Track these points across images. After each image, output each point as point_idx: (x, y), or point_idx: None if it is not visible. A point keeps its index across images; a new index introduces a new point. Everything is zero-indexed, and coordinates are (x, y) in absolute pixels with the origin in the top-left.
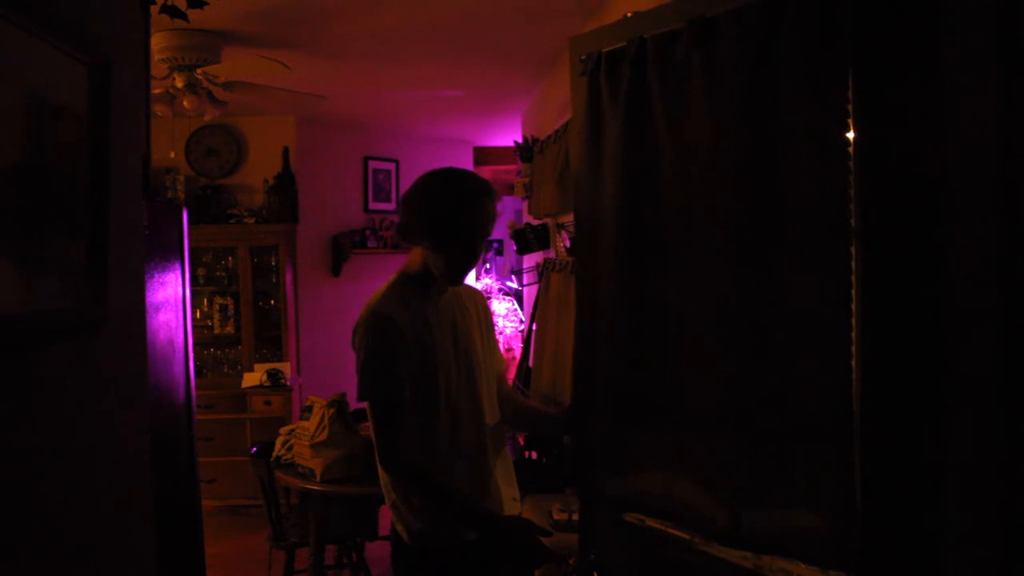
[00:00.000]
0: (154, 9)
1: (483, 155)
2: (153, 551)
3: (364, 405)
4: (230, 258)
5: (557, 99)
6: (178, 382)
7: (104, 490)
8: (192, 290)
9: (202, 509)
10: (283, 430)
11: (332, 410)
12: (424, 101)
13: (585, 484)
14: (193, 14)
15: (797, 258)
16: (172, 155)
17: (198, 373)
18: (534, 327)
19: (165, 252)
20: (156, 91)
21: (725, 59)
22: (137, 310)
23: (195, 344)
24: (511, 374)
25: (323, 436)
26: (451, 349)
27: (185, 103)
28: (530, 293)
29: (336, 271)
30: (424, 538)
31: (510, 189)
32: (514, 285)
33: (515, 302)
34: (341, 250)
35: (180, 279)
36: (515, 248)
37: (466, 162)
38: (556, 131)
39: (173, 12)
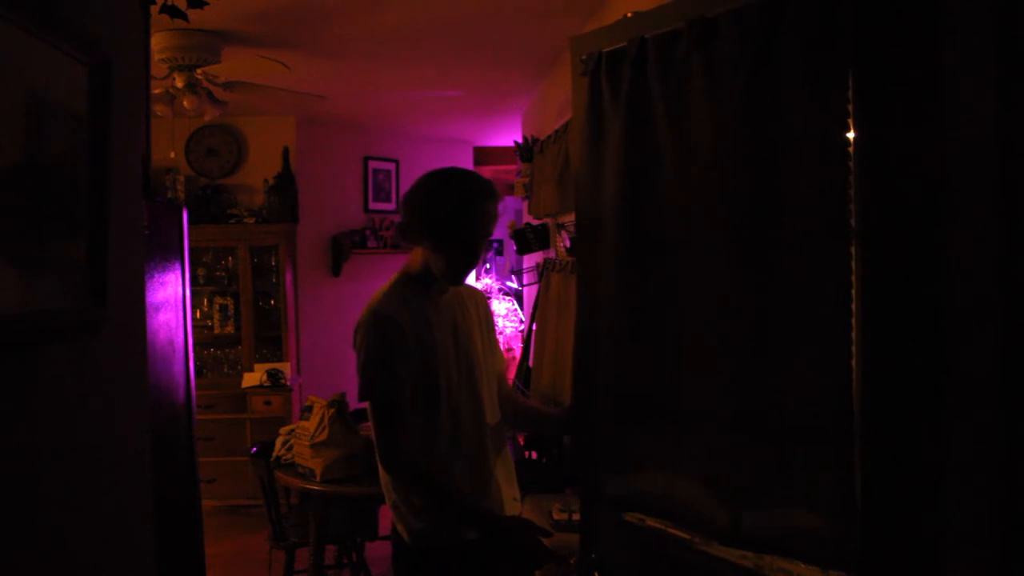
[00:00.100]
0: (154, 9)
1: (483, 155)
2: (153, 551)
3: (364, 405)
4: (230, 258)
5: (557, 99)
6: (178, 382)
7: (104, 490)
8: (192, 290)
9: (202, 509)
10: (283, 430)
11: (332, 410)
12: (424, 101)
13: (585, 484)
14: (193, 14)
15: (797, 258)
16: (172, 155)
17: (198, 373)
18: (534, 327)
19: (165, 252)
20: (156, 91)
21: (725, 59)
22: (137, 310)
23: (195, 344)
24: (511, 374)
25: (323, 436)
26: (452, 349)
27: (185, 103)
28: (530, 293)
29: (336, 271)
30: (425, 538)
31: (510, 189)
32: (514, 285)
33: (515, 302)
34: (341, 250)
35: (180, 279)
36: (515, 248)
37: (466, 162)
38: (556, 131)
39: (173, 12)
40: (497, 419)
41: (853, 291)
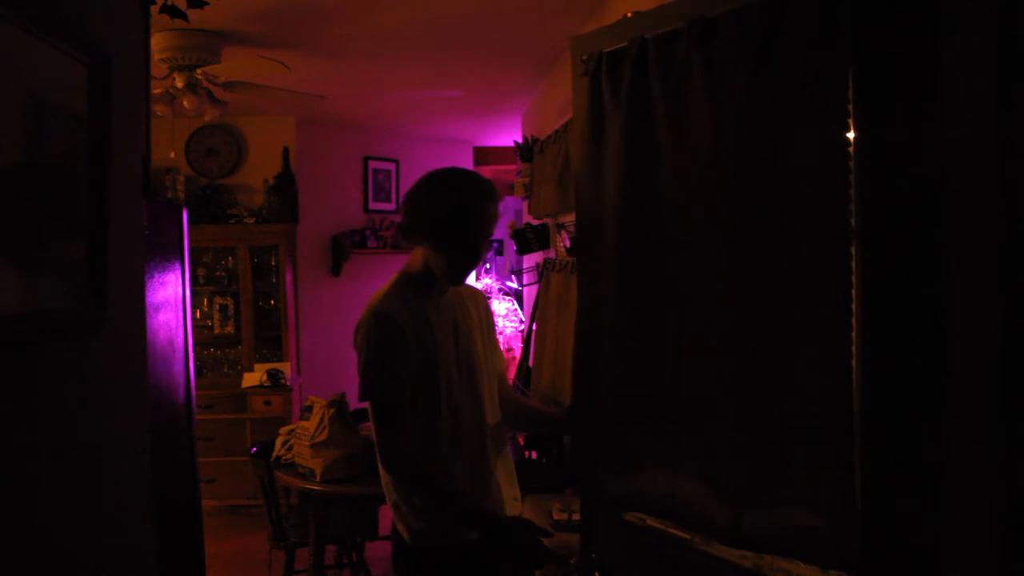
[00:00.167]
0: (154, 9)
1: (483, 155)
2: (153, 551)
3: (365, 405)
4: (230, 258)
5: (557, 99)
6: (178, 382)
7: (104, 490)
8: (192, 290)
9: (202, 509)
10: (283, 430)
11: (332, 410)
12: (424, 101)
13: (585, 484)
14: (193, 14)
15: (797, 258)
16: (172, 155)
17: (198, 373)
18: (534, 327)
19: (165, 252)
20: (156, 91)
21: (725, 59)
22: (137, 310)
23: (195, 344)
24: (511, 374)
25: (323, 436)
26: (452, 349)
27: (185, 103)
28: (530, 293)
29: (336, 271)
30: (425, 538)
31: (510, 189)
32: (514, 285)
33: (515, 302)
34: (341, 250)
35: (180, 279)
36: (515, 248)
37: (466, 162)
38: (556, 131)
39: (173, 12)
40: (497, 419)
41: (853, 291)
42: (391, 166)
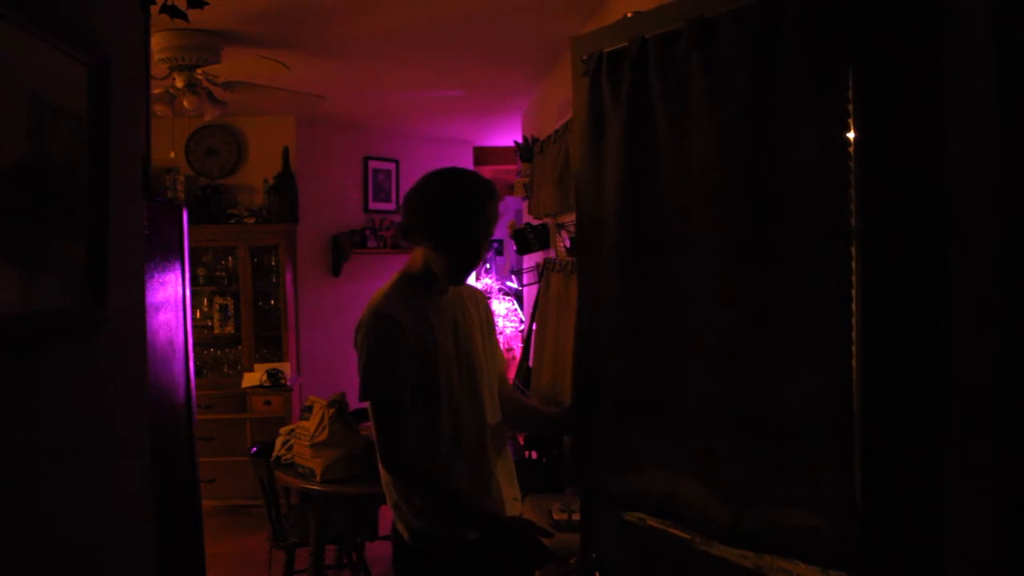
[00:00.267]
0: (154, 9)
1: (483, 155)
2: (153, 551)
3: (365, 405)
4: (230, 258)
5: (557, 99)
6: (178, 382)
7: (104, 490)
8: (192, 290)
9: (202, 509)
10: (283, 430)
11: (332, 410)
12: (424, 101)
13: (585, 484)
14: (193, 14)
15: (797, 258)
16: (172, 155)
17: (198, 373)
18: (534, 327)
19: (165, 252)
20: (156, 91)
21: (725, 59)
22: (137, 310)
23: (195, 344)
24: (511, 374)
25: (323, 436)
26: (452, 349)
27: (185, 103)
28: (530, 293)
29: (336, 271)
30: (425, 538)
31: (510, 189)
32: (514, 285)
33: (515, 302)
34: (341, 250)
35: (180, 279)
36: (515, 248)
37: (466, 162)
38: (556, 131)
39: (173, 12)
40: (498, 419)
41: (853, 291)
42: (391, 166)
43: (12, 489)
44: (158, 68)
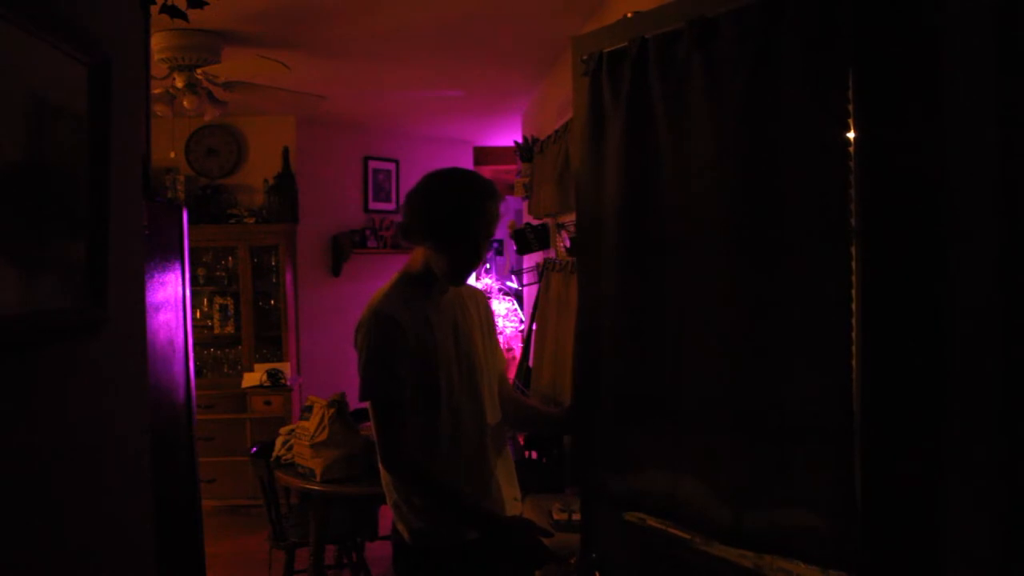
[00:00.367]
0: (154, 9)
1: (483, 155)
2: (153, 551)
3: (365, 405)
4: (230, 258)
5: (557, 99)
6: (178, 382)
7: (104, 490)
8: (192, 290)
9: (202, 509)
10: (283, 430)
11: (332, 410)
12: (424, 101)
13: (585, 484)
14: (193, 14)
15: (797, 258)
16: (172, 155)
17: (198, 373)
18: (534, 327)
19: (165, 252)
20: (156, 91)
21: (725, 59)
22: (137, 310)
23: (195, 344)
24: (511, 374)
25: (323, 436)
26: (452, 349)
27: (185, 103)
28: (530, 293)
29: (336, 271)
30: (425, 538)
31: (510, 189)
32: (514, 285)
33: (515, 302)
34: (341, 250)
35: (180, 279)
36: (515, 248)
37: (466, 162)
38: (556, 131)
39: (173, 12)
40: (498, 419)
41: (853, 291)
42: (391, 166)
43: (12, 489)
44: (158, 68)
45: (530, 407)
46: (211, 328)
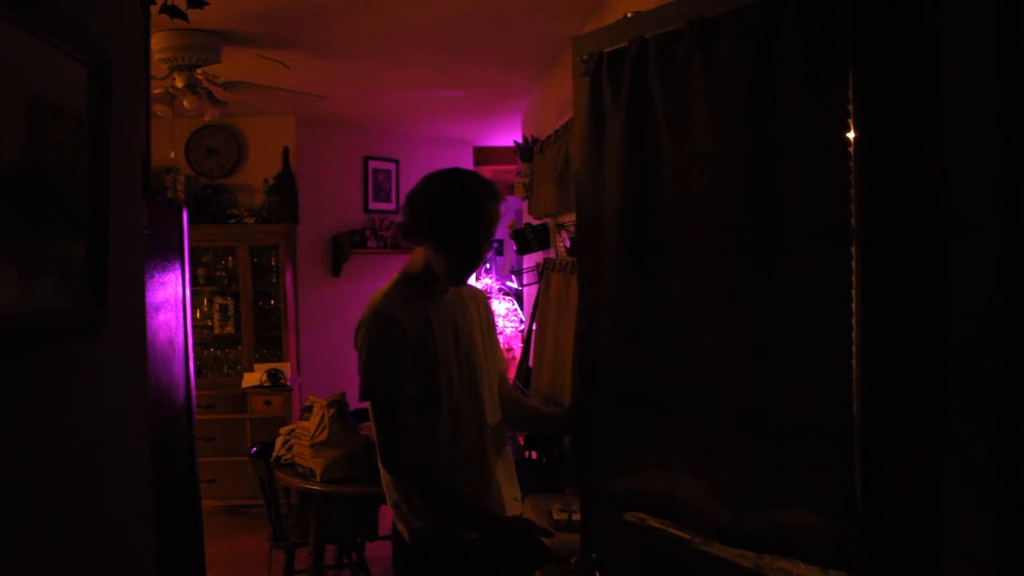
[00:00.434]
0: (154, 9)
1: (483, 155)
2: (153, 551)
3: (365, 405)
4: (230, 258)
5: (557, 99)
6: (178, 382)
7: (104, 490)
8: (192, 290)
9: (202, 509)
10: (283, 430)
11: (332, 410)
12: (424, 101)
13: (585, 484)
14: (193, 14)
15: (797, 258)
16: (172, 155)
17: (198, 373)
18: (534, 327)
19: (165, 252)
20: (156, 91)
21: (725, 59)
22: (137, 310)
23: (195, 344)
24: (511, 374)
25: (323, 436)
26: (452, 349)
27: (185, 103)
28: (530, 293)
29: (336, 271)
30: (425, 538)
31: (510, 189)
32: (514, 285)
33: (515, 302)
34: (341, 250)
35: (180, 279)
36: (515, 248)
37: (466, 162)
38: (556, 131)
39: (173, 12)
40: (498, 419)
41: (853, 291)
42: (391, 166)
43: (12, 489)
44: (158, 68)
45: (530, 407)
46: (211, 328)
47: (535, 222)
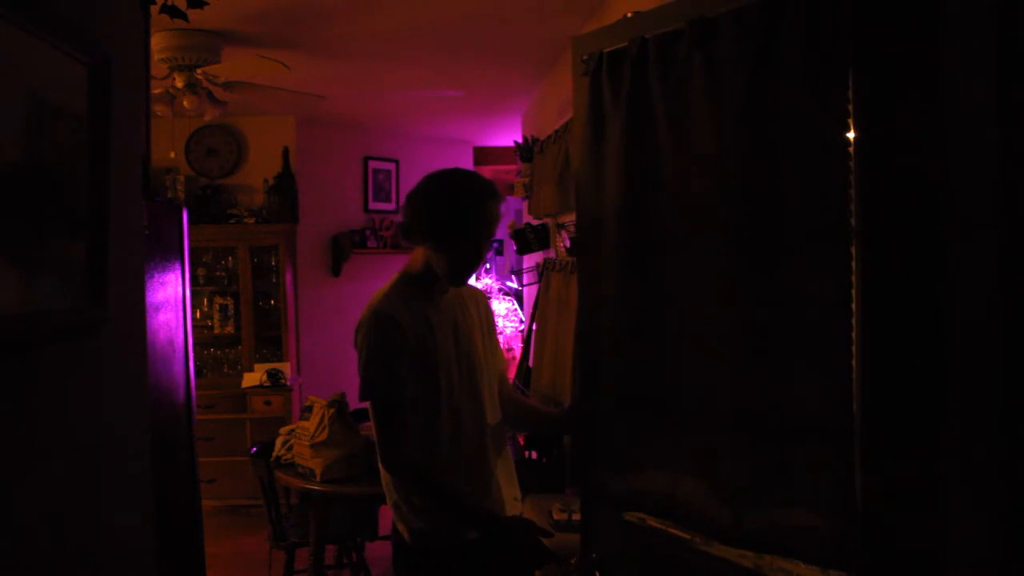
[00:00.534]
0: (154, 9)
1: (483, 155)
2: (153, 551)
3: (365, 405)
4: (230, 258)
5: (557, 99)
6: (178, 382)
7: (104, 490)
8: (192, 290)
9: (202, 509)
10: (283, 430)
11: (332, 410)
12: (424, 101)
13: (585, 484)
14: (193, 14)
15: (797, 258)
16: (172, 155)
17: (198, 373)
18: (534, 327)
19: (165, 252)
20: (156, 91)
21: (725, 59)
22: (137, 310)
23: (195, 344)
24: (511, 374)
25: (323, 436)
26: (452, 349)
27: (185, 103)
28: (530, 293)
29: (336, 271)
30: (425, 538)
31: (510, 189)
32: (514, 285)
33: (515, 302)
34: (341, 250)
35: (180, 279)
36: (515, 248)
37: (466, 162)
38: (556, 131)
39: (173, 12)
40: (498, 419)
41: (853, 291)
42: (391, 166)
43: (12, 489)
44: (158, 68)
45: (530, 407)
46: (211, 328)
47: (535, 222)
